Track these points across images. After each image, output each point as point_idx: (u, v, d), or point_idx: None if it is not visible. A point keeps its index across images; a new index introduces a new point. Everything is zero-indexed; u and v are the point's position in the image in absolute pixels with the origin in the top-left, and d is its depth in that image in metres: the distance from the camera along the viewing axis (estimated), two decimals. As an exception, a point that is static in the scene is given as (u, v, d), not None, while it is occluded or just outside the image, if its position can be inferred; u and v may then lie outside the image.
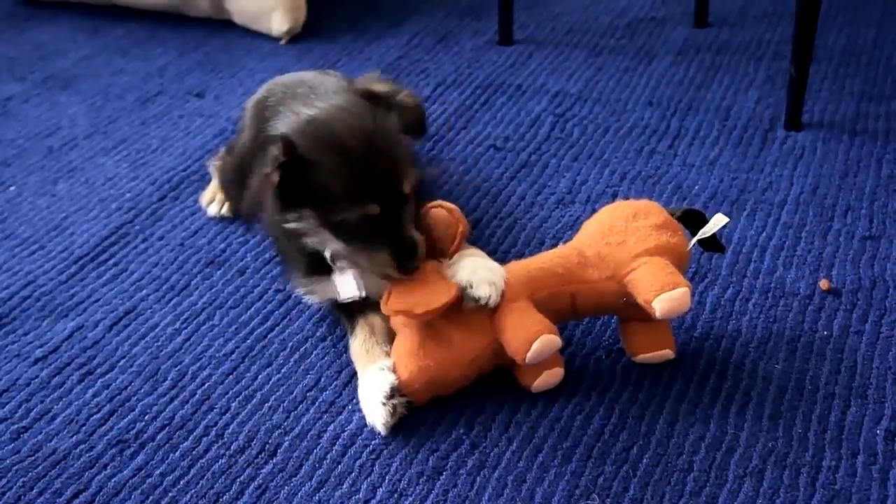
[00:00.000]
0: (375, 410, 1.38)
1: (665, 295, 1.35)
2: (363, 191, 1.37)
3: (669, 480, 1.29)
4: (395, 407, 1.37)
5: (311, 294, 1.56)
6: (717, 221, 1.47)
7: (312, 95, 1.53)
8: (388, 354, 1.44)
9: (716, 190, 1.90)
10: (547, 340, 1.36)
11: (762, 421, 1.38)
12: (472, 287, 1.39)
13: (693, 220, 1.50)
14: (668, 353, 1.47)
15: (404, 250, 1.39)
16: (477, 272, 1.40)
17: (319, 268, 1.51)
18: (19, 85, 2.44)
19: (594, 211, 1.84)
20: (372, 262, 1.42)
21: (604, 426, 1.38)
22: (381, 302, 1.42)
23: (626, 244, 1.44)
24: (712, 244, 1.51)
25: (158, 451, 1.37)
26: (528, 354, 1.35)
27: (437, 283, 1.41)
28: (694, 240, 1.48)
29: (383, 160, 1.39)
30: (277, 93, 1.66)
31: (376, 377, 1.40)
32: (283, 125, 1.44)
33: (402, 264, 1.39)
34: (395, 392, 1.38)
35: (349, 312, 1.52)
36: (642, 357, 1.47)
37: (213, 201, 1.90)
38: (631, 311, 1.45)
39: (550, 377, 1.43)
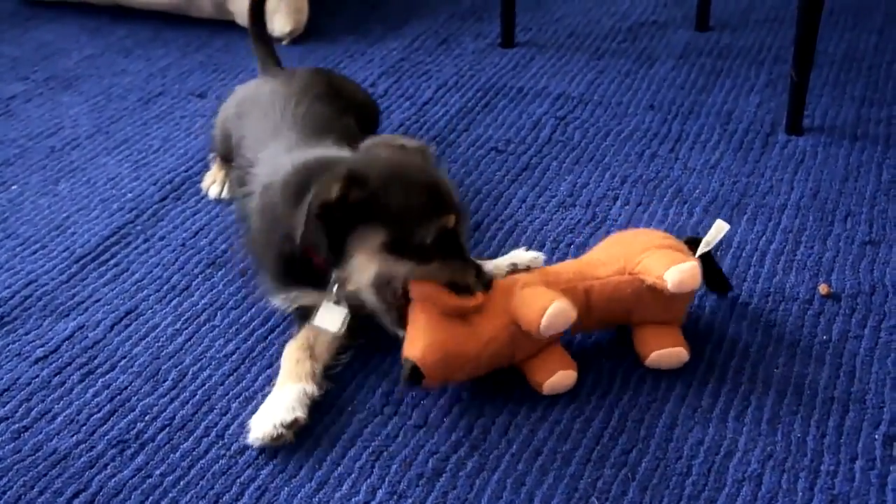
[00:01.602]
0: (265, 425, 1.36)
1: (675, 267, 1.42)
2: (438, 206, 1.39)
3: (668, 484, 1.30)
4: (282, 435, 1.36)
5: (286, 301, 1.55)
6: (719, 229, 1.49)
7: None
8: (313, 375, 1.44)
9: (716, 194, 1.91)
10: (561, 308, 1.38)
11: (761, 425, 1.38)
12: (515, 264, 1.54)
13: (694, 246, 1.54)
14: (681, 352, 1.47)
15: (476, 268, 1.42)
16: (509, 257, 1.56)
17: (295, 278, 1.51)
18: (22, 84, 2.45)
19: (594, 214, 1.86)
20: (455, 273, 1.41)
21: (603, 429, 1.38)
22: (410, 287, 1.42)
23: (633, 245, 1.50)
24: (719, 283, 1.57)
25: (159, 452, 1.37)
26: (543, 322, 1.37)
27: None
28: (700, 250, 1.51)
29: (441, 181, 1.44)
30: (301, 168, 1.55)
31: (289, 399, 1.40)
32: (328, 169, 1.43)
33: (477, 282, 1.41)
34: (293, 424, 1.37)
35: (303, 314, 1.53)
36: (655, 355, 1.47)
37: (213, 183, 1.94)
38: (643, 310, 1.46)
39: (564, 378, 1.44)
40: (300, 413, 1.38)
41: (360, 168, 1.40)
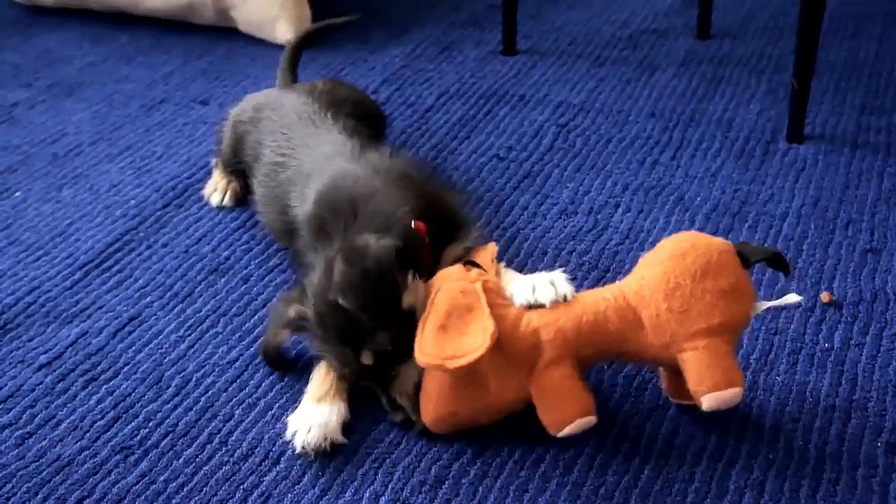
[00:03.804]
0: (315, 437, 1.37)
1: (716, 395, 1.28)
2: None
3: (671, 491, 1.30)
4: (327, 451, 1.37)
5: None
6: (789, 300, 1.36)
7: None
8: (346, 395, 1.44)
9: (717, 202, 1.91)
10: (582, 423, 1.32)
11: (763, 432, 1.38)
12: (535, 298, 1.36)
13: (772, 263, 1.39)
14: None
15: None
16: (531, 282, 1.39)
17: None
18: (24, 91, 2.45)
19: (596, 222, 1.86)
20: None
21: (605, 437, 1.38)
22: (415, 346, 1.33)
23: (689, 314, 1.30)
24: (779, 263, 1.37)
25: (162, 458, 1.37)
26: (561, 433, 1.33)
27: (473, 319, 1.33)
28: (763, 307, 1.36)
29: None
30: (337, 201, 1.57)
31: (338, 416, 1.40)
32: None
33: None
34: (330, 441, 1.38)
35: None
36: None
37: (215, 191, 1.95)
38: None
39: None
40: (335, 436, 1.39)
41: None
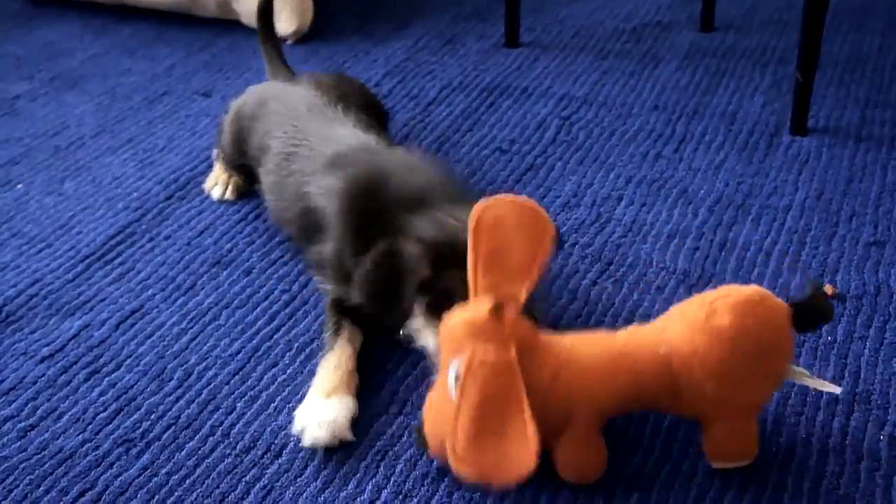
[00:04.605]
0: (325, 433, 1.35)
1: (728, 464, 1.30)
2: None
3: (673, 485, 1.30)
4: (335, 447, 1.36)
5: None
6: (831, 388, 1.32)
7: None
8: (354, 390, 1.43)
9: (721, 194, 1.91)
10: (594, 477, 1.29)
11: (766, 426, 1.38)
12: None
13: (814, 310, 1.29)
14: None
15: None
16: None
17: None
18: (26, 84, 2.45)
19: (599, 214, 1.85)
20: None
21: (607, 429, 1.38)
22: (447, 447, 1.19)
23: (731, 398, 1.25)
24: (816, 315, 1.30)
25: (164, 451, 1.37)
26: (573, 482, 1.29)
27: (511, 413, 1.18)
28: (802, 382, 1.31)
29: None
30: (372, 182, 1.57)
31: (348, 412, 1.39)
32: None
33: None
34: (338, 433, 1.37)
35: (337, 320, 1.51)
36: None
37: (216, 185, 1.95)
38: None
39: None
40: (345, 434, 1.37)
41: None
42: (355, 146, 1.68)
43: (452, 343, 1.25)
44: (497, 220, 1.28)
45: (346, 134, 1.73)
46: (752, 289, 1.28)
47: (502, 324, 1.23)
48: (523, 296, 1.27)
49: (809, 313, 1.27)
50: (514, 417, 1.17)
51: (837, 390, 1.34)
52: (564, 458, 1.27)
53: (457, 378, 1.21)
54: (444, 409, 1.24)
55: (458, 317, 1.26)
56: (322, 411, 1.38)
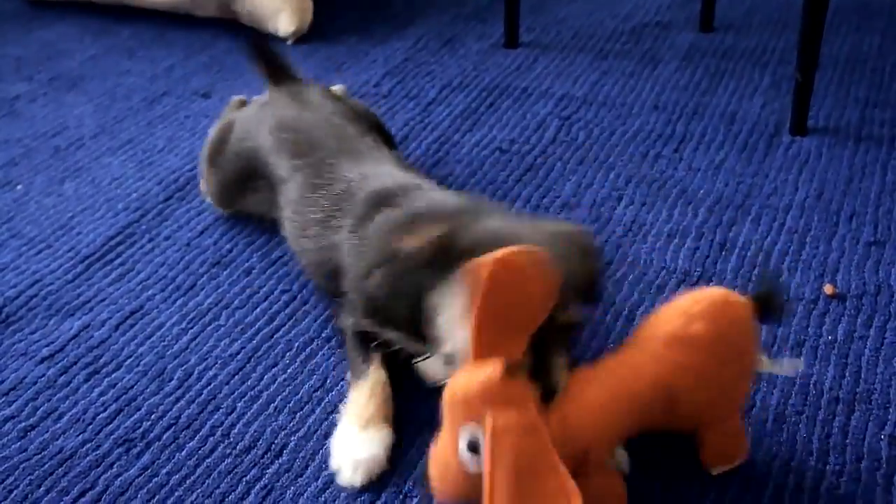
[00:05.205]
0: (361, 472, 1.31)
1: (727, 466, 1.31)
2: None
3: (673, 485, 1.30)
4: (370, 476, 1.32)
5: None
6: (787, 367, 1.37)
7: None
8: (391, 420, 1.37)
9: (721, 194, 1.91)
10: None
11: (766, 425, 1.38)
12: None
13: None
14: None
15: None
16: None
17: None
18: (26, 84, 2.45)
19: (599, 214, 1.85)
20: None
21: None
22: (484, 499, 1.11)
23: (719, 403, 1.28)
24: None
25: (164, 451, 1.37)
26: None
27: (547, 473, 1.12)
28: (766, 369, 1.38)
29: None
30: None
31: (384, 445, 1.35)
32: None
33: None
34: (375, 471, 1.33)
35: (365, 347, 1.44)
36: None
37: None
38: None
39: None
40: (381, 464, 1.33)
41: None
42: (407, 185, 1.51)
43: (465, 408, 1.18)
44: (504, 274, 1.20)
45: (386, 169, 1.59)
46: (718, 291, 1.31)
47: (517, 385, 1.18)
48: (522, 352, 1.21)
49: (771, 305, 1.30)
50: (548, 475, 1.13)
51: (799, 366, 1.38)
52: (588, 500, 1.17)
53: (473, 446, 1.16)
54: (450, 466, 1.20)
55: (469, 381, 1.18)
56: (358, 447, 1.33)
